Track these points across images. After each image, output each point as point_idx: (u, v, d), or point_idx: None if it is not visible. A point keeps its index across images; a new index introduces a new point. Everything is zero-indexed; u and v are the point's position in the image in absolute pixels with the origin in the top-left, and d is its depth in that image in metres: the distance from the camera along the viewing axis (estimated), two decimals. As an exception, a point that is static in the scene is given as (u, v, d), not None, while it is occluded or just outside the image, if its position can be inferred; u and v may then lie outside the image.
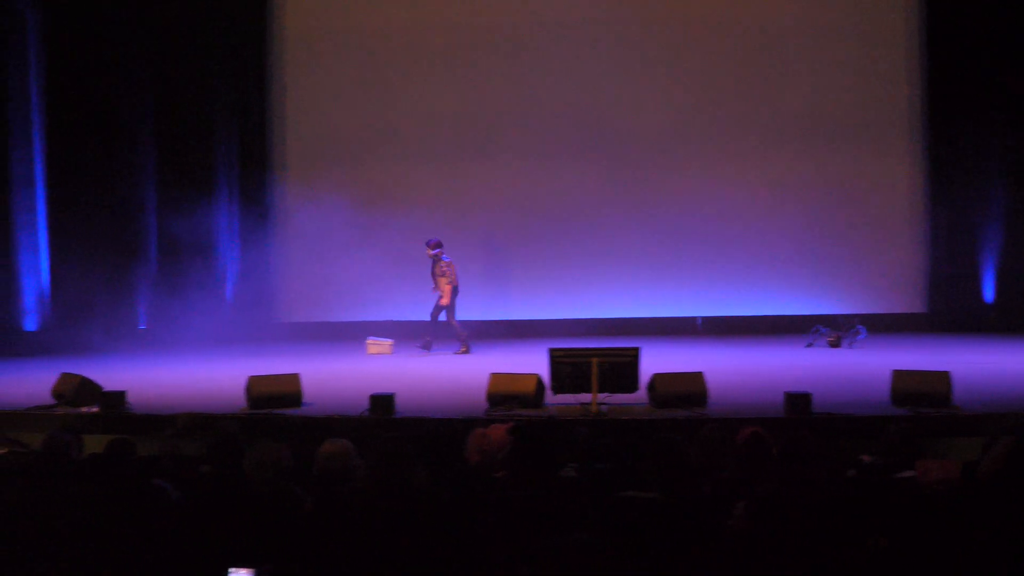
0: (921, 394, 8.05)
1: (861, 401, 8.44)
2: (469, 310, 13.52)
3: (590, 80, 14.72)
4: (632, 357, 8.36)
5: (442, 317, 12.86)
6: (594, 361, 8.21)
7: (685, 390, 8.31)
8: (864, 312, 13.91)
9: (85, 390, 8.92)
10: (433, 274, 12.81)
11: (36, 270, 14.04)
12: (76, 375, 9.06)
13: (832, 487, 4.49)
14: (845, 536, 4.27)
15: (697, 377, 8.45)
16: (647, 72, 14.65)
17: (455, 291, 12.75)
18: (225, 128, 15.12)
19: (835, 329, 12.95)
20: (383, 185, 15.03)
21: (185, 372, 11.49)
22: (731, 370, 10.53)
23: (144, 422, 8.35)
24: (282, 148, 15.36)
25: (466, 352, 12.74)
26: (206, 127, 14.97)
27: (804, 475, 4.42)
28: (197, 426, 8.04)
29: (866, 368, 10.60)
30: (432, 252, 12.86)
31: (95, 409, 8.72)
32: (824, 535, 4.26)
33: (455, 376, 10.64)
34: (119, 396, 8.71)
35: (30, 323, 14.02)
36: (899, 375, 8.29)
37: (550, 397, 8.56)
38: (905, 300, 14.64)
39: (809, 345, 12.81)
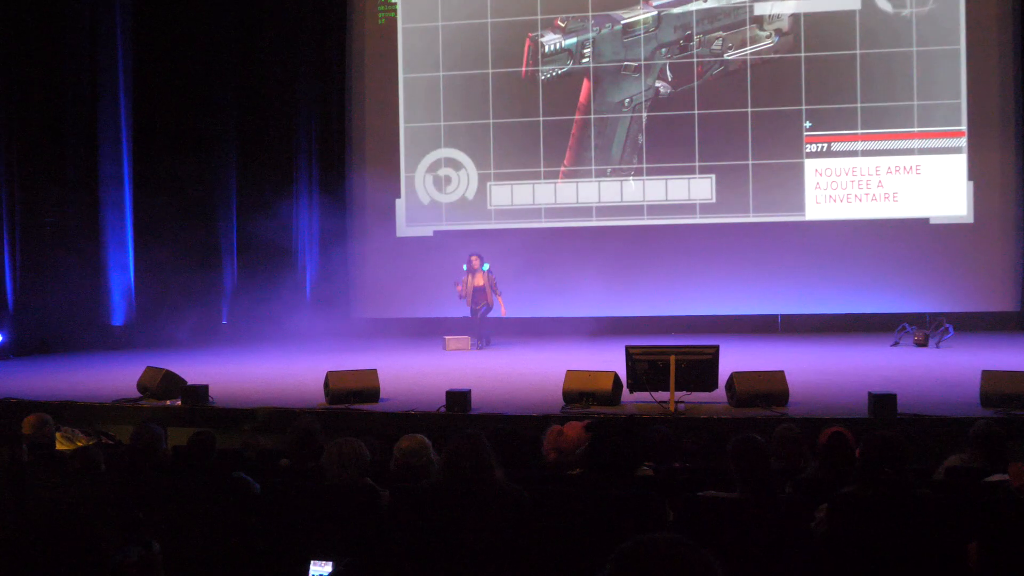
0: (1012, 395, 7.81)
1: (949, 402, 8.23)
2: (547, 307, 13.52)
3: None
4: (711, 355, 8.28)
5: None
6: (672, 359, 8.15)
7: (765, 389, 8.20)
8: (952, 310, 13.57)
9: (169, 384, 9.15)
10: (491, 287, 13.06)
11: (123, 266, 14.45)
12: (160, 369, 9.29)
13: (918, 490, 4.39)
14: (932, 541, 4.17)
15: (778, 376, 8.33)
16: (728, 80, 14.48)
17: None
18: (305, 127, 15.37)
19: (922, 327, 12.65)
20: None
21: (265, 367, 11.70)
22: (813, 369, 10.36)
23: (225, 416, 8.54)
24: (361, 145, 15.55)
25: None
26: (287, 126, 15.24)
27: (888, 478, 4.32)
28: (277, 420, 8.20)
29: (954, 368, 10.35)
30: (483, 265, 13.08)
31: (178, 402, 8.93)
32: (910, 540, 4.17)
33: (531, 373, 10.65)
34: (202, 390, 8.90)
35: (117, 318, 14.41)
36: (989, 376, 8.06)
37: (627, 395, 8.52)
38: (996, 298, 14.22)
39: (895, 344, 12.53)
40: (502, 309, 13.11)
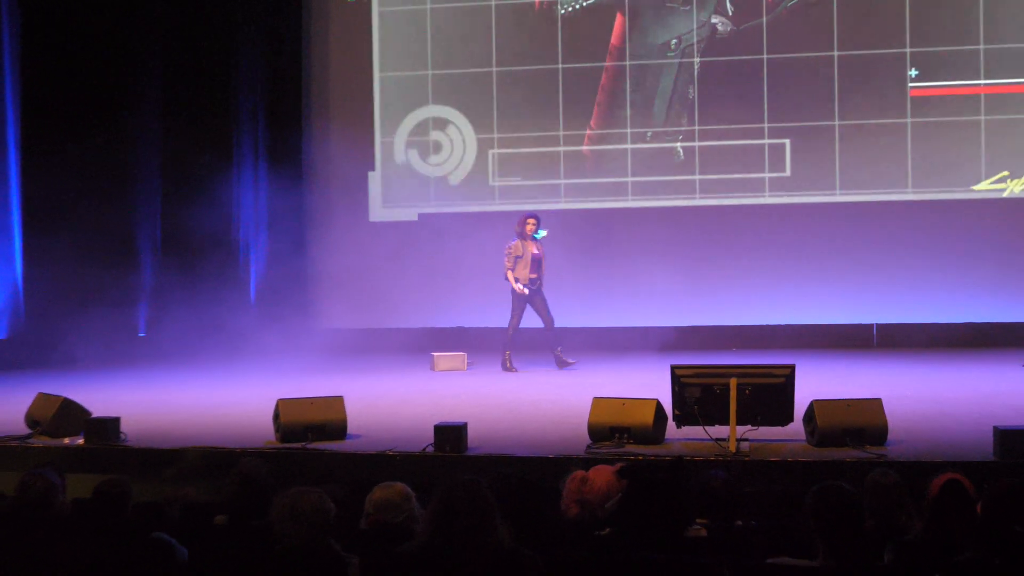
0: None
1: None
2: (567, 315, 13.52)
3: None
4: (784, 378, 8.27)
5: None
6: (733, 383, 8.14)
7: (856, 423, 8.19)
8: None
9: (67, 416, 9.14)
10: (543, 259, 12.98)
11: (7, 260, 14.44)
12: (56, 396, 9.27)
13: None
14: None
15: (873, 405, 8.32)
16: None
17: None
18: (249, 78, 15.40)
19: (1065, 342, 12.68)
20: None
21: (195, 394, 11.72)
22: (920, 397, 10.37)
23: (143, 458, 8.53)
24: (323, 101, 15.57)
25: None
26: (225, 77, 15.26)
27: (1019, 540, 4.32)
28: (210, 464, 8.20)
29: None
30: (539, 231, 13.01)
31: (80, 440, 8.92)
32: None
33: (547, 401, 10.67)
34: (112, 424, 8.87)
35: (-1, 329, 14.45)
36: None
37: (673, 431, 8.52)
38: None
39: (1028, 364, 12.56)
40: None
